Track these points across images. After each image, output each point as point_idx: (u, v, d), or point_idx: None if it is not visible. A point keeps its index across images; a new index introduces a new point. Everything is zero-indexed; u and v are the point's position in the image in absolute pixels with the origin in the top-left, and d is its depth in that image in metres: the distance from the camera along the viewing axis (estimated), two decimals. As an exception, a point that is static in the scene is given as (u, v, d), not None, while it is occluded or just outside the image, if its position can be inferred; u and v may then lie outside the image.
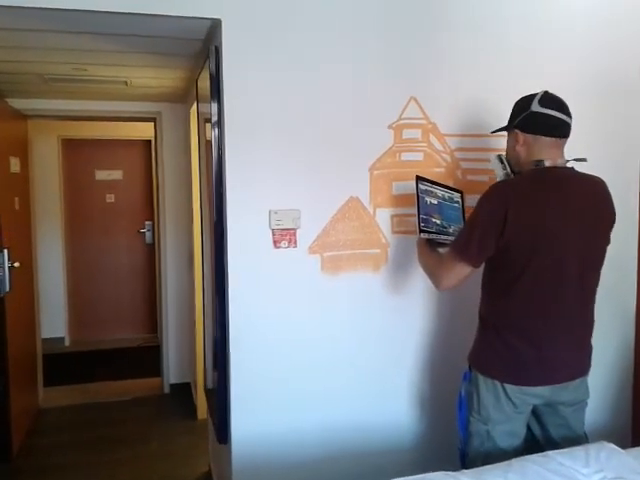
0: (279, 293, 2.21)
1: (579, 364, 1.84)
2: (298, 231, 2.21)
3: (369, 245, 2.30)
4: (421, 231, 1.99)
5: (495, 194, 1.74)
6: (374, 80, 2.25)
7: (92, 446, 3.47)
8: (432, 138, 2.34)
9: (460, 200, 2.24)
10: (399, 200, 2.32)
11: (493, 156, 1.96)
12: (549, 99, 1.76)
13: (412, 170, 2.30)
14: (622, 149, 2.57)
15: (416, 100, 2.30)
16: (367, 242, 2.30)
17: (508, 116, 2.37)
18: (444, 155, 2.36)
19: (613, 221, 1.84)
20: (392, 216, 2.32)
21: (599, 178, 1.84)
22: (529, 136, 1.78)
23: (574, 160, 1.80)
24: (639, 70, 2.55)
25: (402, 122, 2.30)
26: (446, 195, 2.17)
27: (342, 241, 2.26)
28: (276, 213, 2.17)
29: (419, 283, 2.34)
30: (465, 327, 2.34)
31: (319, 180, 2.22)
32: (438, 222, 2.08)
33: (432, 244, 2.02)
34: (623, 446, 1.78)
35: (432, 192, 2.10)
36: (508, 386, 1.77)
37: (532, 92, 1.81)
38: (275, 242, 2.19)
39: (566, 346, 1.77)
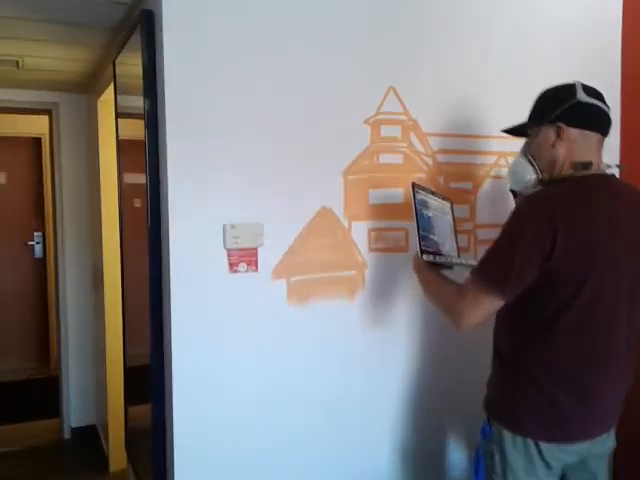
0: (236, 329, 1.74)
1: (618, 410, 1.53)
2: (260, 250, 1.75)
3: (343, 266, 1.89)
4: (423, 252, 1.60)
5: (539, 208, 1.36)
6: (349, 67, 1.84)
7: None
8: (413, 137, 1.98)
9: (451, 211, 1.89)
10: (377, 211, 1.93)
11: (519, 156, 1.58)
12: (591, 89, 1.44)
13: (391, 175, 1.94)
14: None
15: (396, 91, 1.93)
16: (341, 262, 1.88)
17: (495, 116, 2.09)
18: (425, 158, 2.00)
19: None
20: (369, 230, 1.92)
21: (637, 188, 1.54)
22: (575, 131, 1.43)
23: (616, 166, 1.49)
24: (619, 76, 2.36)
25: (380, 117, 1.91)
26: (439, 206, 1.81)
27: (312, 262, 1.83)
28: (233, 228, 1.69)
29: (401, 310, 1.97)
30: (458, 364, 2.02)
31: (285, 187, 1.78)
32: (435, 239, 1.71)
33: (433, 267, 1.64)
34: None
35: (427, 203, 1.73)
36: (544, 445, 1.42)
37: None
38: (231, 265, 1.71)
39: (613, 392, 1.46)
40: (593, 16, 2.29)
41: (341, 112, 1.85)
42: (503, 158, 2.13)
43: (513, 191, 1.65)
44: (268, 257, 1.76)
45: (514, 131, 1.63)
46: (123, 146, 2.42)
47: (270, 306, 1.77)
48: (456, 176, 2.06)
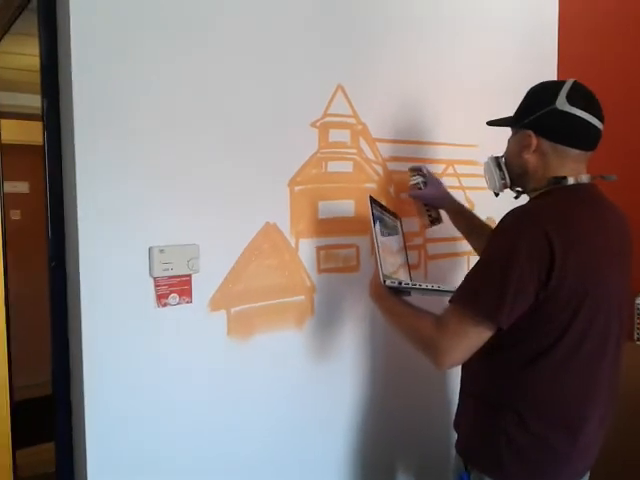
0: (165, 376, 1.41)
1: (600, 445, 1.39)
2: (194, 277, 1.44)
3: (291, 291, 1.62)
4: (385, 277, 1.37)
5: (533, 224, 1.16)
6: (292, 62, 1.59)
7: None
8: (362, 143, 1.76)
9: (401, 229, 1.69)
10: (326, 226, 1.69)
11: (488, 159, 1.40)
12: (580, 94, 1.24)
13: (340, 185, 1.72)
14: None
15: (344, 90, 1.70)
16: (288, 287, 1.62)
17: (443, 122, 1.94)
18: (376, 166, 1.79)
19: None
20: (318, 248, 1.68)
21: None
22: (547, 143, 1.26)
23: (601, 178, 1.33)
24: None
25: (328, 120, 1.67)
26: (391, 224, 1.60)
27: (255, 289, 1.55)
28: (162, 252, 1.37)
29: (353, 336, 1.75)
30: (413, 395, 1.83)
31: (223, 201, 1.48)
32: (392, 260, 1.49)
33: (394, 293, 1.41)
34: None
35: (383, 220, 1.51)
36: (529, 490, 1.25)
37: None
38: (159, 297, 1.39)
39: (601, 426, 1.31)
40: (530, 18, 2.22)
41: (286, 114, 1.58)
42: (451, 167, 1.98)
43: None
44: (204, 285, 1.46)
45: (502, 124, 1.40)
46: (5, 151, 2.02)
47: (208, 342, 1.47)
48: (406, 186, 1.87)
